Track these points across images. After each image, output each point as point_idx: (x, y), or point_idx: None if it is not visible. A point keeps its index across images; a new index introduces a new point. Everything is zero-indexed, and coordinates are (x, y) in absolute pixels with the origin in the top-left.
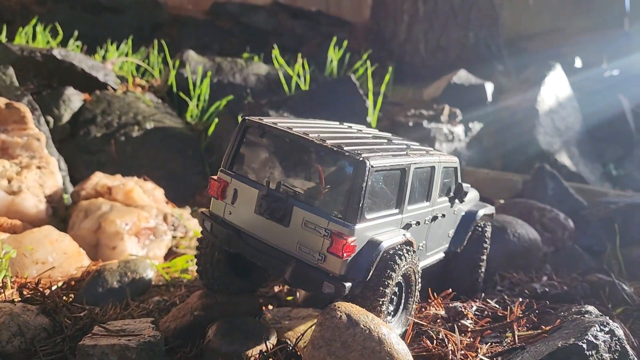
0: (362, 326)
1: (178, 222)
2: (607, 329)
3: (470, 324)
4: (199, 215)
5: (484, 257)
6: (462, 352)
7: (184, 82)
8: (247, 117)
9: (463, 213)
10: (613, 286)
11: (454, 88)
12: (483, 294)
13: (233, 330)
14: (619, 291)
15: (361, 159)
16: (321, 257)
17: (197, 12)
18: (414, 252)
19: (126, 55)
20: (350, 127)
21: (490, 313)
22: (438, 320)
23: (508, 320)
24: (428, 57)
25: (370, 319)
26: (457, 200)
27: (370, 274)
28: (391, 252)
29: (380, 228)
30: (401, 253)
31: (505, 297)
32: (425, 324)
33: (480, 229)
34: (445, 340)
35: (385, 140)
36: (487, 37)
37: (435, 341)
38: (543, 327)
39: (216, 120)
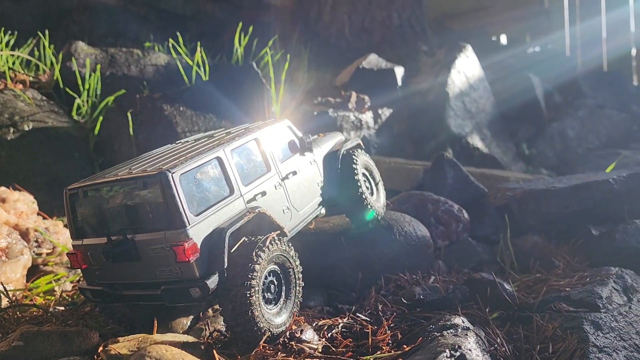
0: None
1: (42, 237)
2: (457, 354)
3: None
4: (79, 290)
5: (357, 177)
6: None
7: (72, 76)
8: (67, 187)
9: (321, 158)
10: (494, 286)
11: (363, 73)
12: (354, 307)
13: None
14: (499, 291)
15: (161, 172)
16: (177, 269)
17: None
18: (279, 238)
19: (12, 47)
20: (182, 141)
21: (358, 329)
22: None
23: (370, 341)
24: (353, 39)
25: None
26: (307, 152)
27: (227, 263)
28: (248, 241)
29: (221, 217)
30: (257, 249)
31: (380, 307)
32: (269, 352)
33: (349, 160)
34: None
35: (205, 139)
36: (411, 18)
37: None
38: (405, 346)
39: (101, 118)
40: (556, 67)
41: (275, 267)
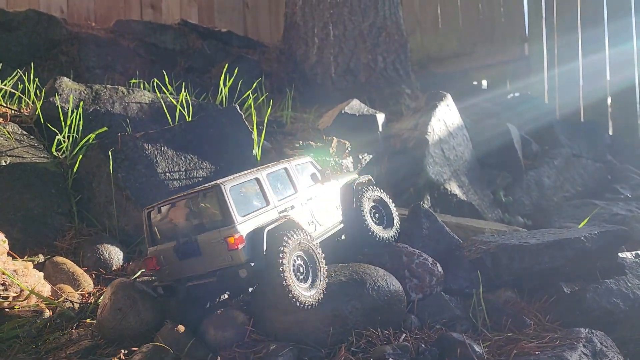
0: None
1: (10, 280)
2: None
3: None
4: (152, 289)
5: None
6: None
7: (54, 111)
8: (145, 208)
9: (340, 185)
10: (464, 347)
11: (346, 118)
12: None
13: None
14: (469, 353)
15: (217, 185)
16: (229, 257)
17: (99, 30)
18: (300, 232)
19: None
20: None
21: None
22: None
23: None
24: (338, 80)
25: None
26: (326, 182)
27: (265, 249)
28: (278, 233)
29: (261, 220)
30: (287, 235)
31: None
32: None
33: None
34: None
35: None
36: (396, 61)
37: None
38: None
39: (80, 156)
40: (535, 112)
41: (301, 253)
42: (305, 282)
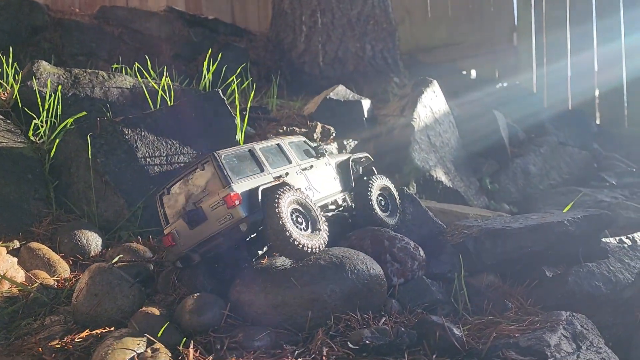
0: None
1: None
2: None
3: None
4: (171, 263)
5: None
6: None
7: (32, 95)
8: (157, 194)
9: (336, 161)
10: (443, 330)
11: (331, 103)
12: (296, 351)
13: None
14: (448, 336)
15: (212, 154)
16: (229, 214)
17: (83, 17)
18: (293, 188)
19: None
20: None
21: None
22: None
23: None
24: (326, 68)
25: None
26: (321, 157)
27: (261, 203)
28: (272, 190)
29: (256, 183)
30: (280, 189)
31: (325, 350)
32: None
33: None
34: None
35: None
36: (384, 50)
37: None
38: None
39: (57, 141)
40: (523, 103)
41: (298, 206)
42: (306, 231)
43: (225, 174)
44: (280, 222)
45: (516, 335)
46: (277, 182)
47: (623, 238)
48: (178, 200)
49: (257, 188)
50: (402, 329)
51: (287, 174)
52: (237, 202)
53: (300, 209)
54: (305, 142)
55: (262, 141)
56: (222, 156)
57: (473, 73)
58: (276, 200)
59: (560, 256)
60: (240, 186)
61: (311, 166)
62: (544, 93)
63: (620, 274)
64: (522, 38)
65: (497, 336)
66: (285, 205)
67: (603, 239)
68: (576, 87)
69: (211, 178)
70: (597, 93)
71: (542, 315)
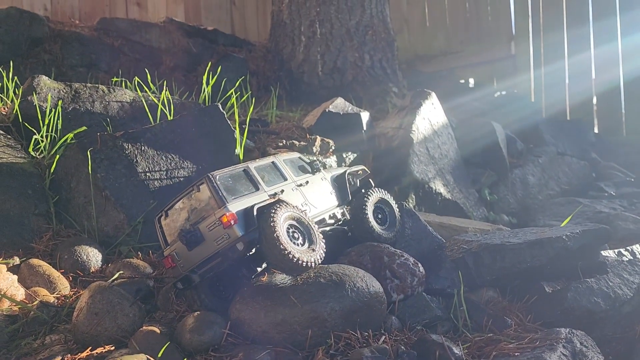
0: None
1: None
2: None
3: None
4: (170, 288)
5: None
6: None
7: (33, 110)
8: (155, 217)
9: (332, 175)
10: (443, 349)
11: (330, 116)
12: None
13: None
14: (448, 355)
15: (207, 175)
16: (226, 234)
17: (83, 28)
18: (288, 205)
19: None
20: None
21: None
22: None
23: None
24: (325, 78)
25: None
26: (317, 172)
27: (257, 221)
28: (267, 208)
29: (250, 201)
30: (275, 205)
31: None
32: None
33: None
34: None
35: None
36: (383, 60)
37: None
38: None
39: (58, 156)
40: (521, 111)
41: (294, 222)
42: (302, 246)
43: (220, 194)
44: (275, 235)
45: (516, 354)
46: (272, 200)
47: (622, 250)
48: (176, 222)
49: (252, 206)
50: (402, 347)
51: (282, 191)
52: (232, 222)
53: (297, 224)
54: (300, 158)
55: (257, 160)
56: (217, 177)
57: (471, 81)
58: (271, 216)
59: (559, 271)
60: (236, 206)
61: (307, 182)
62: (541, 99)
63: (619, 289)
64: (519, 46)
65: (497, 355)
66: (281, 221)
67: (602, 252)
68: (574, 90)
69: (207, 199)
70: (594, 100)
71: (541, 333)
